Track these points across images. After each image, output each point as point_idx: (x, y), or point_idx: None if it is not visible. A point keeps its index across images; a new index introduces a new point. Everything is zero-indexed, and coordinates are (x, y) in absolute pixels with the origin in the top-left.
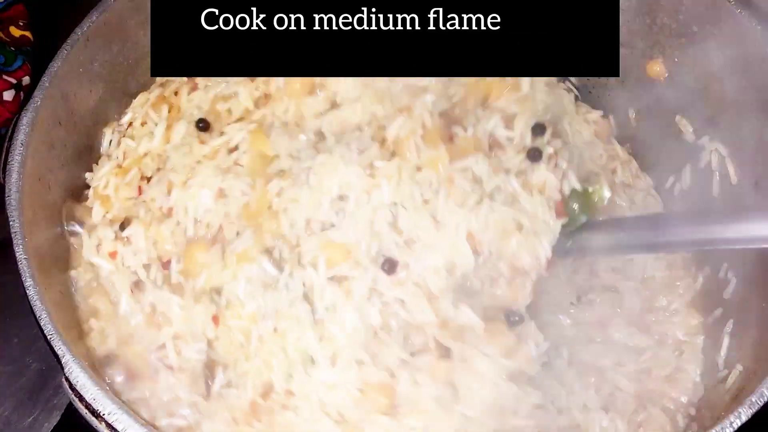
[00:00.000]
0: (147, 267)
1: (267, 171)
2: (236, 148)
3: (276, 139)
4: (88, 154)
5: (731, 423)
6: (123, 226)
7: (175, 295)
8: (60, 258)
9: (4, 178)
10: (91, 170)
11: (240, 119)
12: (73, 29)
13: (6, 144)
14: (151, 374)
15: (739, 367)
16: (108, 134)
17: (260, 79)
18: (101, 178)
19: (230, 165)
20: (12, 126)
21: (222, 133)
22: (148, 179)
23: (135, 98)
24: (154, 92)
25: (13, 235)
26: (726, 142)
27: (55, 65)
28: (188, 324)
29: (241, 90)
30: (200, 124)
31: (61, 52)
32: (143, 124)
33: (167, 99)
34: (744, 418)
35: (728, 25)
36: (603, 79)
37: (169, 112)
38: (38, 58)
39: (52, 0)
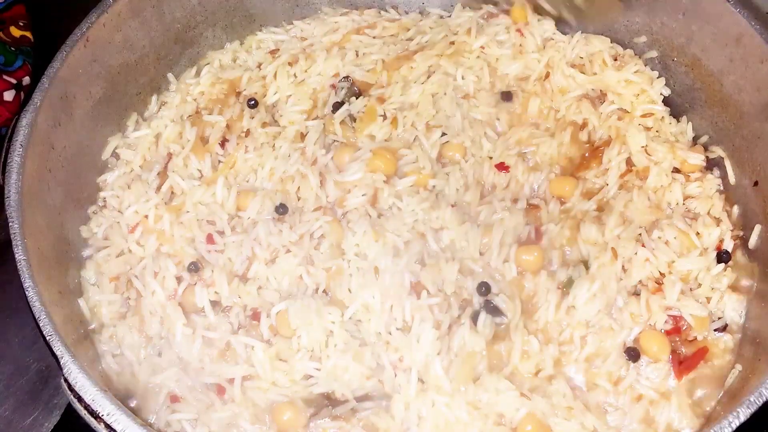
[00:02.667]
0: (227, 309)
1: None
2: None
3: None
4: (88, 156)
5: (730, 423)
6: (194, 268)
7: (260, 341)
8: (59, 259)
9: (3, 178)
10: (91, 172)
11: (317, 209)
12: (73, 30)
13: (5, 145)
14: (196, 401)
15: (738, 367)
16: (113, 143)
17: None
18: (144, 207)
19: (312, 252)
20: (11, 127)
21: (301, 221)
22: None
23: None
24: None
25: (12, 236)
26: (726, 143)
27: (55, 66)
28: (267, 370)
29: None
30: (280, 209)
31: (60, 53)
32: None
33: (210, 147)
34: (743, 418)
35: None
36: None
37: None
38: (38, 58)
39: (52, 1)
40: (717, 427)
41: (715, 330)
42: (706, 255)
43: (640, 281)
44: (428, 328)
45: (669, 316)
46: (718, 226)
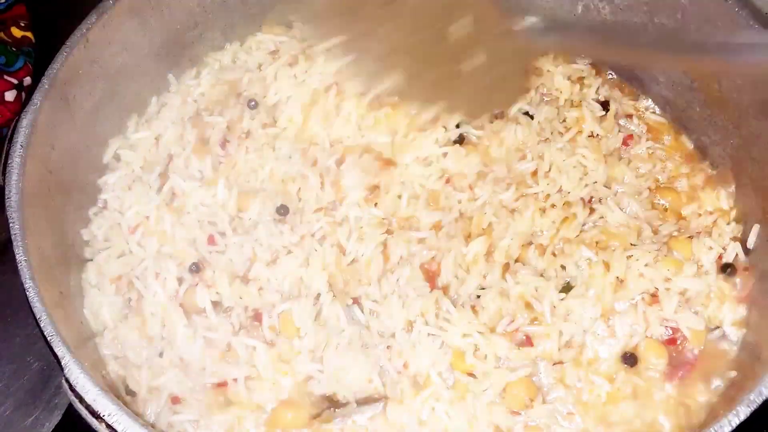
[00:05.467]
0: (228, 310)
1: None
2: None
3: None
4: (89, 157)
5: (729, 421)
6: (196, 268)
7: (261, 342)
8: (60, 260)
9: (4, 179)
10: (91, 173)
11: (318, 210)
12: (73, 31)
13: (6, 145)
14: (197, 401)
15: (733, 374)
16: (114, 145)
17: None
18: (145, 208)
19: (313, 253)
20: (12, 127)
21: (302, 222)
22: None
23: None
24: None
25: (12, 237)
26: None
27: (55, 67)
28: (269, 370)
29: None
30: (281, 210)
31: (60, 54)
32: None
33: (210, 148)
34: (742, 416)
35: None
36: None
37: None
38: (38, 59)
39: (53, 1)
40: (717, 425)
41: (715, 336)
42: (704, 275)
43: (641, 294)
44: (431, 333)
45: (667, 327)
46: (718, 237)
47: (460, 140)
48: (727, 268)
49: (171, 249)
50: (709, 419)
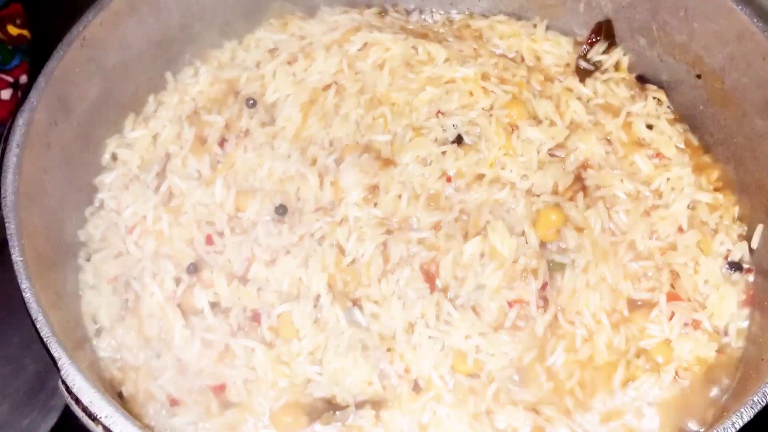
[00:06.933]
0: (226, 311)
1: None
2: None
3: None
4: (86, 156)
5: (733, 423)
6: (193, 269)
7: (260, 344)
8: (57, 260)
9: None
10: (88, 173)
11: (317, 209)
12: (70, 29)
13: (2, 144)
14: (195, 404)
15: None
16: (111, 144)
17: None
18: (142, 207)
19: (312, 253)
20: (8, 126)
21: (301, 222)
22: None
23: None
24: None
25: (8, 237)
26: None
27: (51, 65)
28: (268, 372)
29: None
30: (279, 210)
31: (57, 52)
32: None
33: (209, 147)
34: (746, 418)
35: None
36: None
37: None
38: (35, 57)
39: None
40: (721, 427)
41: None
42: (709, 277)
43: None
44: (432, 335)
45: None
46: (724, 238)
47: (458, 140)
48: (733, 268)
49: (169, 249)
50: (713, 421)
